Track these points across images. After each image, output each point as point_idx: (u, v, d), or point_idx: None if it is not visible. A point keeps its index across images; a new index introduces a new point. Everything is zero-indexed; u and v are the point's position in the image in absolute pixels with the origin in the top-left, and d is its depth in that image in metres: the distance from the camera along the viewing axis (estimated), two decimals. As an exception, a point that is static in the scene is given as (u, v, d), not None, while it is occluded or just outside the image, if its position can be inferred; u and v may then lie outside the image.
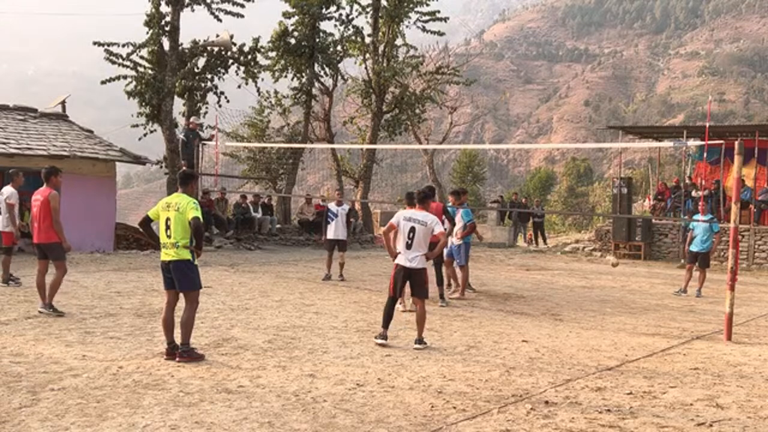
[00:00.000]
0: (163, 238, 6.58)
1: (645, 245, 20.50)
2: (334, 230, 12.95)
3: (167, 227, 6.52)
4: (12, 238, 11.00)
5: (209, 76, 20.97)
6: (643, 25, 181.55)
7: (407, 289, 8.58)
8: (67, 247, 8.72)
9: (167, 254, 6.56)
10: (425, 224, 7.49)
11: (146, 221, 6.83)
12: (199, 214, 6.46)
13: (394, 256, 7.63)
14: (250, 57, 21.38)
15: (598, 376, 6.48)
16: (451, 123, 30.86)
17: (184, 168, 5.99)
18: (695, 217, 14.18)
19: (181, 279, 6.55)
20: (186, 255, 6.50)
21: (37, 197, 8.70)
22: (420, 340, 7.42)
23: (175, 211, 6.49)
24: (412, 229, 7.47)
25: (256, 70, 21.70)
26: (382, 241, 23.04)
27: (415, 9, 23.53)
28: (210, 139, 19.04)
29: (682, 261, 16.49)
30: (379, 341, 7.45)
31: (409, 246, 7.47)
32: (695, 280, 12.82)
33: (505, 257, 19.81)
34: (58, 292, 8.73)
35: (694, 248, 12.88)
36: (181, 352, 6.44)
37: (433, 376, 6.28)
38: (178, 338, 6.55)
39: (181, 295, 6.65)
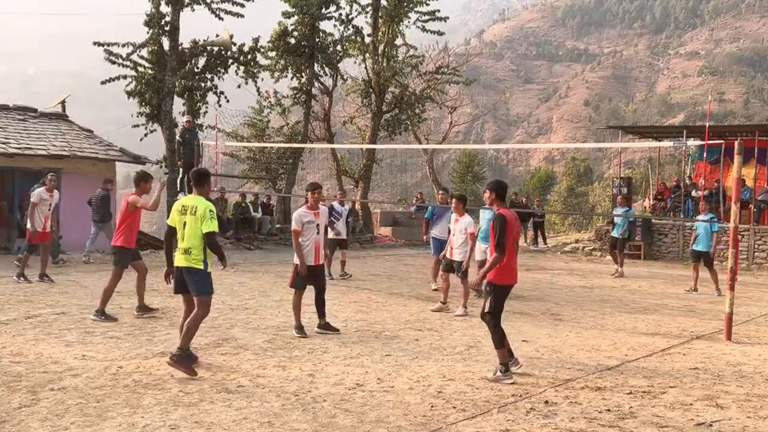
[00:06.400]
0: (179, 242, 6.31)
1: (645, 245, 20.50)
2: (337, 229, 12.97)
3: (183, 232, 6.26)
4: (29, 236, 11.19)
5: (209, 76, 20.97)
6: (643, 25, 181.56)
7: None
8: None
9: (179, 260, 6.29)
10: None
11: (171, 233, 6.41)
12: (214, 227, 6.18)
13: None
14: (249, 57, 21.39)
15: (598, 376, 6.48)
16: (451, 123, 30.85)
17: (198, 167, 5.89)
18: (696, 217, 14.22)
19: (191, 283, 6.26)
20: (198, 264, 6.23)
21: (122, 203, 8.62)
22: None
23: (191, 215, 6.22)
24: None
25: (255, 70, 21.70)
26: (382, 241, 23.15)
27: (415, 9, 23.56)
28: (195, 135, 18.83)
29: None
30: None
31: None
32: (703, 281, 12.95)
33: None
34: (92, 296, 8.66)
35: (696, 247, 13.09)
36: (175, 356, 6.04)
37: (433, 376, 6.28)
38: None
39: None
